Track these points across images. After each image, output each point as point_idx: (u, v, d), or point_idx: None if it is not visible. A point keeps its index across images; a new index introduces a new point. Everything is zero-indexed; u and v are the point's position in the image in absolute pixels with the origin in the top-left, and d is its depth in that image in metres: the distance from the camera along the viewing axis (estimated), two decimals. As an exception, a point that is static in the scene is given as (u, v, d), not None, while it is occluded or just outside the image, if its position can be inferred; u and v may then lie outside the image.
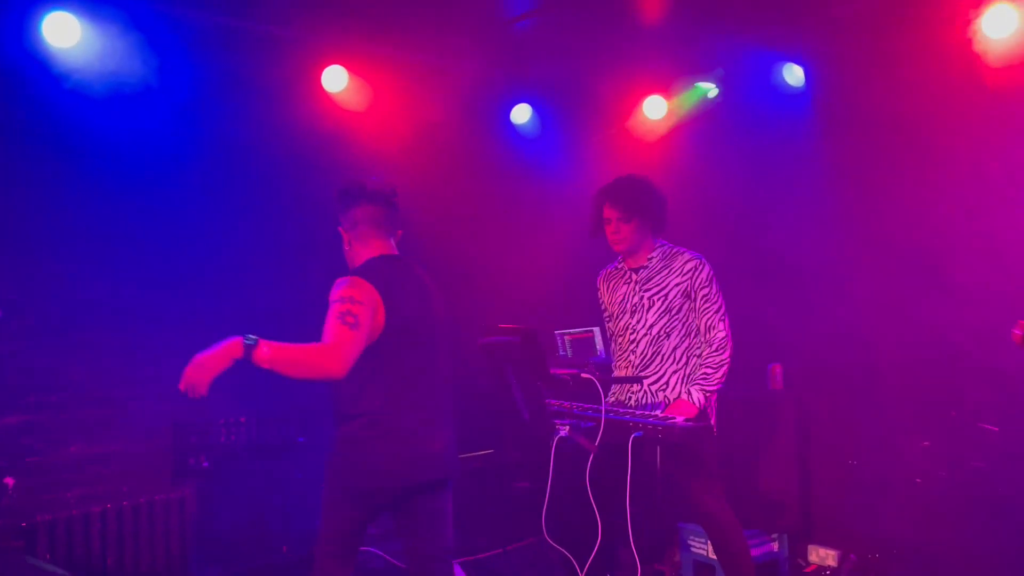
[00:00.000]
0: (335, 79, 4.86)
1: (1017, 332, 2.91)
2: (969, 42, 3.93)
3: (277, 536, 4.63)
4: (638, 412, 3.47)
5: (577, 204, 5.75)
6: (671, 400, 3.54)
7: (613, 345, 3.83)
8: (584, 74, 5.47)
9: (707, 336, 3.54)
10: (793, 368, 4.83)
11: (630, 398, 3.66)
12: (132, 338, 4.39)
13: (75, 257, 4.27)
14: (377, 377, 2.89)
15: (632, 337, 3.66)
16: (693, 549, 4.50)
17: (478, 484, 5.39)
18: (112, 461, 4.33)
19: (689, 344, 3.59)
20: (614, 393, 3.73)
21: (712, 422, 3.56)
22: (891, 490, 4.37)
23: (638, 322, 3.64)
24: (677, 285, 3.57)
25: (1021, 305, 3.86)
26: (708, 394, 3.47)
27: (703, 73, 5.23)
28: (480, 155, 5.83)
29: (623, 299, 3.71)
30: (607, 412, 3.17)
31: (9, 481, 3.95)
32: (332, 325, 2.74)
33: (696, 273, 3.55)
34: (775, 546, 4.49)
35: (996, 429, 3.95)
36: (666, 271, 3.60)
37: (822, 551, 4.62)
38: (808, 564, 4.64)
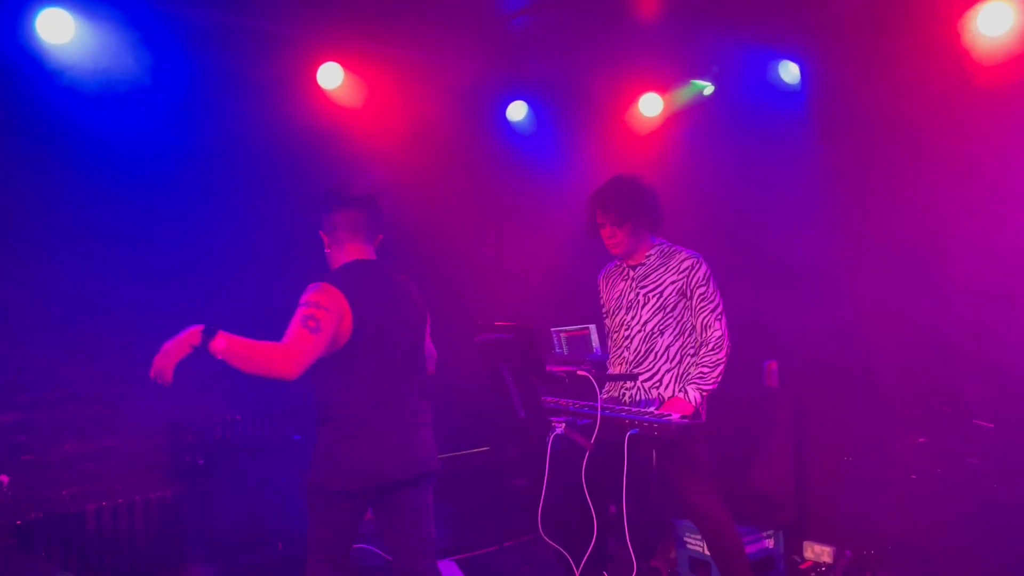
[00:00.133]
0: (331, 76, 4.86)
1: None
2: (964, 39, 3.94)
3: (272, 533, 4.62)
4: (634, 409, 3.47)
5: (573, 202, 5.74)
6: (665, 398, 3.54)
7: (609, 341, 3.83)
8: (580, 71, 5.47)
9: (704, 335, 3.54)
10: (789, 365, 4.84)
11: (623, 395, 3.66)
12: (127, 336, 4.38)
13: (70, 255, 4.26)
14: (347, 381, 2.95)
15: (627, 333, 3.67)
16: (689, 546, 4.51)
17: (474, 481, 5.40)
18: (107, 459, 4.32)
19: (683, 343, 3.59)
20: (608, 390, 3.73)
21: (703, 417, 3.57)
22: (886, 487, 4.38)
23: (633, 318, 3.65)
24: (673, 283, 3.57)
25: (1016, 302, 3.88)
26: (704, 393, 3.47)
27: (699, 71, 5.24)
28: (476, 152, 5.83)
29: (620, 295, 3.72)
30: (603, 409, 3.17)
31: (3, 479, 3.94)
32: (293, 327, 2.80)
33: (692, 272, 3.55)
34: (770, 543, 4.50)
35: (991, 426, 3.95)
36: (663, 268, 3.61)
37: (817, 547, 4.63)
38: (803, 560, 4.65)
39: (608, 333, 3.86)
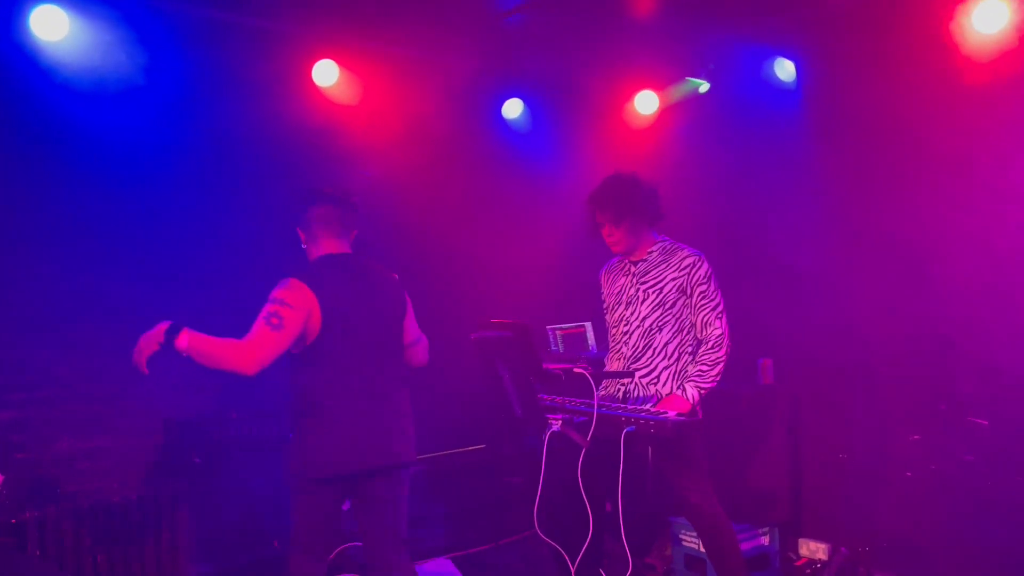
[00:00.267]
0: (326, 73, 4.84)
1: None
2: (959, 36, 3.95)
3: (269, 532, 4.62)
4: (630, 407, 3.47)
5: (569, 199, 5.75)
6: (662, 394, 3.54)
7: (608, 336, 3.83)
8: (576, 69, 5.47)
9: (703, 333, 3.53)
10: (784, 363, 4.85)
11: (619, 391, 3.66)
12: (122, 333, 4.35)
13: (67, 252, 4.24)
14: (320, 372, 3.07)
15: (625, 329, 3.67)
16: (684, 543, 4.52)
17: (471, 479, 5.40)
18: (102, 457, 4.31)
19: (681, 340, 3.59)
20: (605, 387, 3.73)
21: (699, 415, 3.57)
22: (881, 483, 4.40)
23: (632, 314, 3.64)
24: (673, 280, 3.56)
25: (1010, 299, 3.89)
26: (702, 391, 3.47)
27: (695, 68, 5.24)
28: (471, 150, 5.82)
29: (620, 290, 3.72)
30: (599, 407, 3.17)
31: (-1, 477, 3.93)
32: (257, 324, 2.92)
33: (693, 270, 3.54)
34: (766, 539, 4.51)
35: (985, 423, 3.97)
36: (664, 265, 3.61)
37: (812, 544, 4.65)
38: (799, 557, 4.66)
39: (607, 328, 3.86)
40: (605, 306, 3.86)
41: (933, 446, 4.19)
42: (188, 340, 2.84)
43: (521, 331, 3.08)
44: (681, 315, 3.58)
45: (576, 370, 3.20)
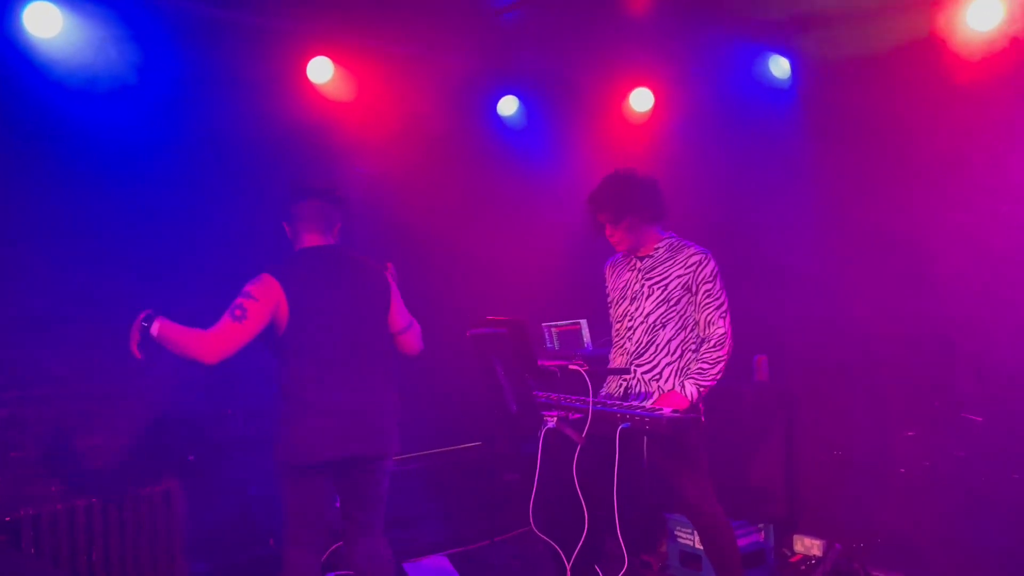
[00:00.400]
0: (320, 70, 4.83)
1: None
2: (954, 35, 3.96)
3: (264, 529, 4.62)
4: (625, 404, 3.48)
5: (564, 196, 5.77)
6: (664, 391, 3.54)
7: (612, 331, 3.81)
8: (571, 66, 5.47)
9: (706, 331, 3.52)
10: (779, 360, 4.86)
11: (620, 386, 3.66)
12: (116, 331, 4.35)
13: (60, 250, 4.23)
14: (294, 362, 3.18)
15: (630, 324, 3.66)
16: (680, 539, 4.53)
17: (466, 476, 5.41)
18: (97, 455, 4.30)
19: (684, 338, 3.58)
20: (607, 383, 3.73)
21: (701, 416, 3.57)
22: (876, 480, 4.41)
23: (636, 309, 3.64)
24: (679, 277, 3.55)
25: (1005, 296, 3.91)
26: (702, 389, 3.46)
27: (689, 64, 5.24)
28: (467, 147, 5.81)
29: (625, 285, 3.71)
30: (595, 403, 3.17)
31: (-7, 475, 3.92)
32: (223, 316, 3.08)
33: (700, 268, 3.53)
34: (761, 536, 4.52)
35: (980, 419, 3.98)
36: (670, 262, 3.59)
37: (807, 540, 4.66)
38: (794, 554, 4.68)
39: (611, 323, 3.84)
40: (609, 300, 3.84)
41: (928, 442, 4.21)
42: (159, 328, 3.00)
43: (517, 328, 3.08)
44: (685, 312, 3.57)
45: (571, 367, 3.20)
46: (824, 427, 4.68)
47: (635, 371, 3.61)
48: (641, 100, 5.52)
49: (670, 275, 3.57)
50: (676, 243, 3.65)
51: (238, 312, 3.06)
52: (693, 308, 3.56)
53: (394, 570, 3.44)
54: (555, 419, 3.20)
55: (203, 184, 4.68)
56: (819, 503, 4.68)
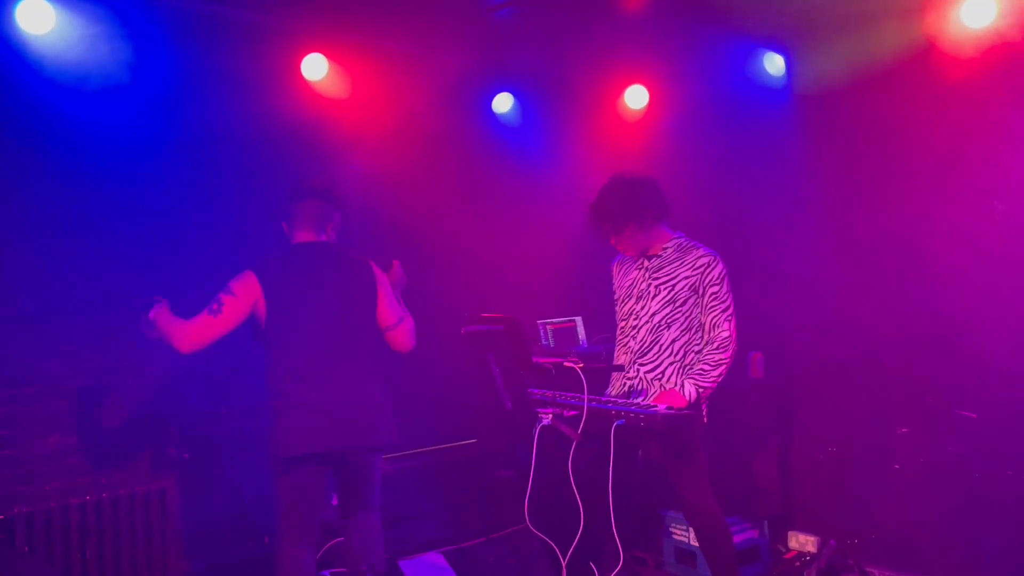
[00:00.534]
0: (315, 67, 4.82)
1: None
2: (948, 32, 3.96)
3: (258, 527, 4.61)
4: (620, 401, 3.48)
5: (559, 194, 5.77)
6: (666, 389, 3.53)
7: (617, 329, 3.80)
8: (566, 63, 5.46)
9: (711, 333, 3.50)
10: (773, 357, 4.86)
11: (625, 385, 3.66)
12: (109, 329, 4.35)
13: (53, 247, 4.22)
14: (275, 356, 3.30)
15: (635, 323, 3.65)
16: (675, 536, 4.54)
17: (461, 473, 5.41)
18: (91, 453, 4.29)
19: (688, 339, 3.57)
20: (612, 382, 3.72)
21: (704, 416, 3.57)
22: (870, 476, 4.42)
23: (642, 308, 3.63)
24: (686, 278, 3.54)
25: (998, 293, 3.91)
26: (701, 390, 3.45)
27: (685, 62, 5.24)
28: (461, 144, 5.81)
29: (632, 284, 3.70)
30: (589, 400, 3.18)
31: (-14, 474, 3.91)
32: (203, 309, 3.24)
33: (707, 270, 3.51)
34: (756, 533, 4.53)
35: (973, 416, 3.99)
36: (678, 263, 3.58)
37: (802, 537, 4.67)
38: (788, 550, 4.69)
39: (616, 321, 3.83)
40: (615, 297, 3.83)
41: (922, 439, 4.21)
42: (154, 312, 3.23)
43: (512, 325, 3.09)
44: (691, 314, 3.55)
45: (566, 364, 3.20)
46: (819, 424, 4.69)
47: (638, 370, 3.61)
48: (636, 97, 5.52)
49: (677, 276, 3.56)
50: (685, 244, 3.63)
51: (215, 306, 3.21)
52: (699, 310, 3.56)
53: (380, 543, 3.54)
54: (550, 416, 3.20)
55: (197, 181, 4.67)
56: (814, 500, 4.69)
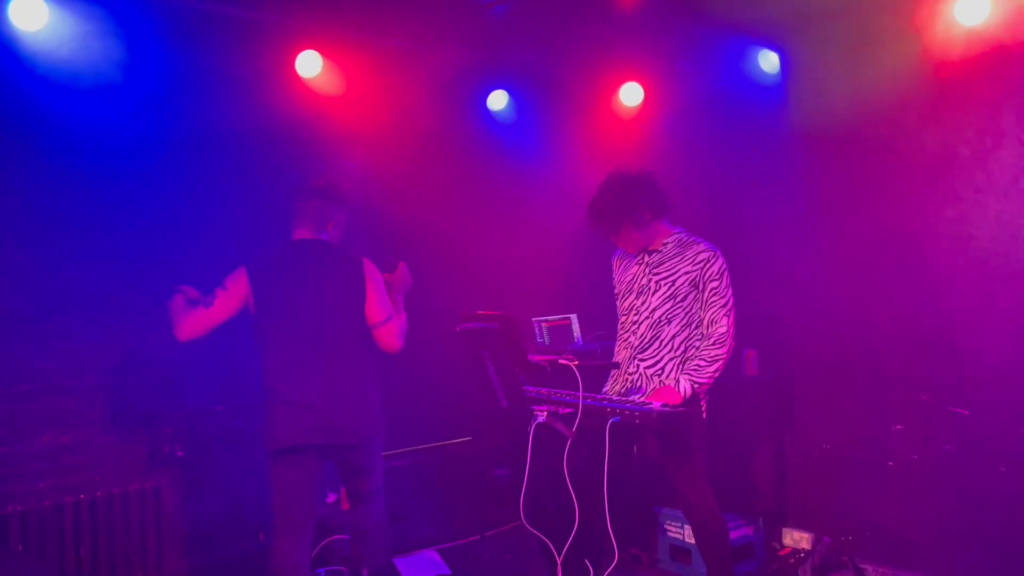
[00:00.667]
0: (309, 64, 4.80)
1: None
2: (941, 29, 3.97)
3: (253, 524, 4.61)
4: (615, 398, 3.48)
5: (554, 191, 5.77)
6: (665, 385, 3.54)
7: (617, 324, 3.80)
8: (561, 60, 5.45)
9: (709, 329, 3.50)
10: (768, 354, 4.87)
11: (627, 380, 3.65)
12: (103, 326, 4.34)
13: (46, 245, 4.20)
14: (263, 350, 3.41)
15: (635, 319, 3.65)
16: (669, 533, 4.54)
17: (457, 471, 5.41)
18: (84, 451, 4.27)
19: (688, 335, 3.56)
20: (613, 378, 3.72)
21: (703, 413, 3.57)
22: (864, 473, 4.43)
23: (643, 304, 3.63)
24: (687, 273, 3.54)
25: (992, 291, 3.93)
26: (697, 385, 3.45)
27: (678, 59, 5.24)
28: (456, 141, 5.80)
29: (632, 279, 3.70)
30: (585, 398, 3.18)
31: (-20, 472, 3.89)
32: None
33: (708, 265, 3.51)
34: (750, 530, 4.54)
35: (966, 412, 4.01)
36: (678, 258, 3.58)
37: (796, 534, 4.68)
38: (783, 547, 4.70)
39: (617, 315, 3.82)
40: (616, 292, 3.82)
41: (915, 436, 4.23)
42: (172, 301, 3.40)
43: (506, 322, 3.08)
44: (692, 309, 3.55)
45: (561, 361, 3.20)
46: (813, 421, 4.70)
47: (638, 366, 3.61)
48: (631, 95, 5.52)
49: (678, 271, 3.56)
50: (685, 239, 3.63)
51: (209, 299, 3.37)
52: (699, 305, 3.56)
53: (383, 532, 3.62)
54: (545, 413, 3.20)
55: (190, 179, 4.65)
56: (808, 497, 4.70)
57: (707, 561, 3.59)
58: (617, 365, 3.63)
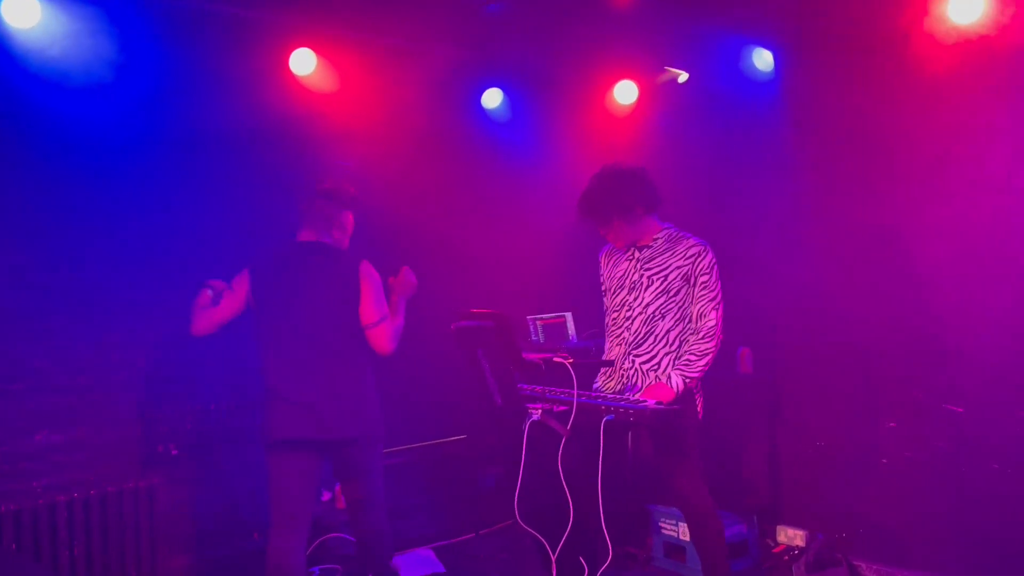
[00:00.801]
0: (303, 62, 4.79)
1: None
2: (936, 27, 3.97)
3: (248, 523, 4.60)
4: (610, 396, 3.48)
5: (548, 189, 5.77)
6: (662, 381, 3.54)
7: (607, 320, 3.78)
8: (555, 59, 5.45)
9: (698, 323, 3.51)
10: (762, 352, 4.88)
11: (622, 376, 3.66)
12: (97, 325, 4.33)
13: (42, 244, 4.19)
14: (259, 346, 3.50)
15: (628, 314, 3.65)
16: (664, 531, 4.55)
17: (451, 469, 5.40)
18: (79, 450, 4.27)
19: (682, 329, 3.56)
20: (609, 375, 3.72)
21: (699, 408, 3.58)
22: (858, 471, 4.44)
23: (635, 300, 3.62)
24: (678, 268, 3.54)
25: (986, 288, 3.94)
26: (688, 380, 3.46)
27: (674, 57, 5.24)
28: (451, 140, 5.79)
29: (623, 275, 3.69)
30: (579, 396, 3.18)
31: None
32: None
33: (698, 259, 3.52)
34: (744, 527, 4.55)
35: (960, 410, 4.02)
36: (669, 253, 3.58)
37: (790, 531, 4.70)
38: (777, 544, 4.71)
39: (606, 311, 3.81)
40: (604, 288, 3.82)
41: (909, 434, 4.24)
42: (198, 296, 3.52)
43: (501, 321, 3.08)
44: (684, 304, 3.55)
45: (556, 359, 3.20)
46: (807, 419, 4.71)
47: (633, 362, 3.61)
48: (625, 93, 5.52)
49: (669, 266, 3.57)
50: (675, 234, 3.64)
51: (218, 298, 3.50)
52: (690, 300, 3.57)
53: (384, 542, 3.62)
54: (540, 412, 3.20)
55: (183, 177, 4.63)
56: (802, 494, 4.71)
57: (703, 558, 3.60)
58: (611, 363, 3.63)
